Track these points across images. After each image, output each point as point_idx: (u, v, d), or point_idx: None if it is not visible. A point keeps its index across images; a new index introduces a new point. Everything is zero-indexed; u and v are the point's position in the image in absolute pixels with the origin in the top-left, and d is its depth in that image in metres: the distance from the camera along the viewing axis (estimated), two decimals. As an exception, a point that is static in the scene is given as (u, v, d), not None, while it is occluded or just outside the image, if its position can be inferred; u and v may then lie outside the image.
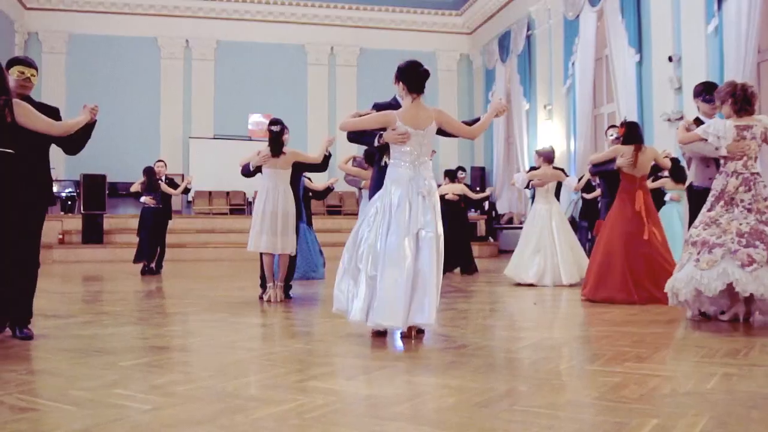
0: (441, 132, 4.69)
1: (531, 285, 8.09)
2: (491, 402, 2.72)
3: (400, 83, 4.52)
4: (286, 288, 6.92)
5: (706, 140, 5.04)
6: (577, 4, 14.37)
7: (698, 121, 5.56)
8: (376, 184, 4.70)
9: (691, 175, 5.71)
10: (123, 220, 16.38)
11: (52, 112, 4.62)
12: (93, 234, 15.26)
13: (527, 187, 8.78)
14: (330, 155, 6.97)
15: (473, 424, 2.44)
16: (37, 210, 4.53)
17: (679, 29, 11.38)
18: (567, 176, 9.07)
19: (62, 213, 16.60)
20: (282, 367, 3.46)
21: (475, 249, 16.43)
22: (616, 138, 7.26)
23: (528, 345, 4.20)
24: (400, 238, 4.24)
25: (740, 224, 4.78)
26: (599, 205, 10.32)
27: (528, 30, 16.97)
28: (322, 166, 6.99)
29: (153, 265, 10.73)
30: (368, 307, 4.24)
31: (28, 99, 4.52)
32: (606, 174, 7.28)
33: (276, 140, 6.58)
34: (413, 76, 4.46)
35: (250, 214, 18.50)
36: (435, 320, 4.26)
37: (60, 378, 3.28)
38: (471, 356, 3.72)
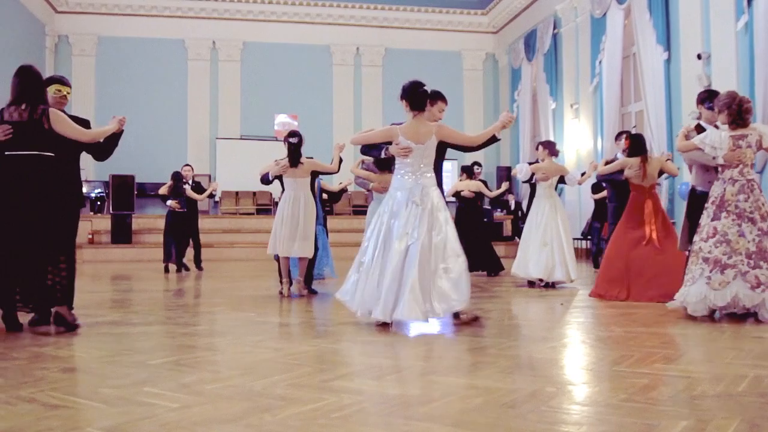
0: (448, 145, 5.13)
1: (540, 281, 8.01)
2: (518, 403, 2.71)
3: (404, 101, 5.01)
4: (308, 283, 7.27)
5: (703, 150, 5.30)
6: (604, 1, 14.24)
7: (699, 128, 5.73)
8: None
9: (692, 179, 5.90)
10: (151, 220, 16.56)
11: (83, 123, 5.06)
12: (122, 234, 15.46)
13: (529, 180, 8.55)
14: (342, 160, 7.45)
15: (500, 425, 2.43)
16: (72, 209, 5.00)
17: (708, 26, 11.23)
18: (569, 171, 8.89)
19: (92, 213, 16.82)
20: (308, 366, 3.47)
21: (501, 249, 16.41)
22: (624, 149, 7.41)
23: (554, 345, 4.18)
24: (394, 242, 4.73)
25: (748, 243, 5.04)
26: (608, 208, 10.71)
27: (554, 28, 16.86)
28: (336, 172, 7.57)
29: (188, 262, 11.37)
30: (359, 295, 4.76)
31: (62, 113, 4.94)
32: (613, 181, 7.50)
33: (294, 152, 6.98)
34: (414, 96, 4.97)
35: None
36: (419, 316, 4.59)
37: (90, 376, 3.32)
38: (497, 356, 3.71)
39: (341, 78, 20.01)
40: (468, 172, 10.80)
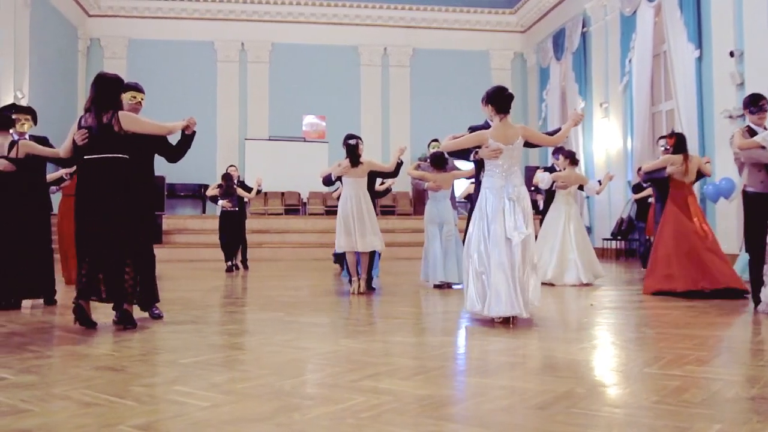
0: (527, 144, 5.43)
1: (551, 285, 8.17)
2: (548, 404, 2.69)
3: (489, 106, 5.24)
4: (368, 281, 7.56)
5: (764, 147, 5.42)
6: (634, -1, 14.11)
7: (750, 130, 5.84)
8: (476, 193, 5.49)
9: (744, 179, 5.98)
10: (181, 220, 16.72)
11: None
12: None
13: (550, 188, 8.83)
14: (401, 163, 7.77)
15: (529, 426, 2.42)
16: (145, 210, 5.37)
17: (740, 23, 11.06)
18: (588, 180, 9.26)
19: (123, 214, 17.00)
20: (337, 366, 3.48)
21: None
22: (666, 149, 7.67)
23: (585, 347, 4.14)
24: (499, 240, 4.98)
25: None
26: (652, 208, 10.85)
27: (583, 27, 16.73)
28: (394, 172, 7.88)
29: (238, 262, 11.64)
30: (483, 300, 4.98)
31: None
32: (657, 181, 7.80)
33: (353, 152, 7.35)
34: (500, 99, 5.18)
35: (305, 214, 18.74)
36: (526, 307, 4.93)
37: (123, 374, 3.37)
38: (527, 357, 3.69)
39: (369, 78, 20.04)
40: None
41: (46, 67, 15.63)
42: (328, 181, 7.72)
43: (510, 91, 5.25)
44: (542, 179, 8.83)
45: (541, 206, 13.03)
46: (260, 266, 12.61)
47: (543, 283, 8.08)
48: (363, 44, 19.96)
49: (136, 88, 5.43)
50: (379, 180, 8.71)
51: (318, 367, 3.49)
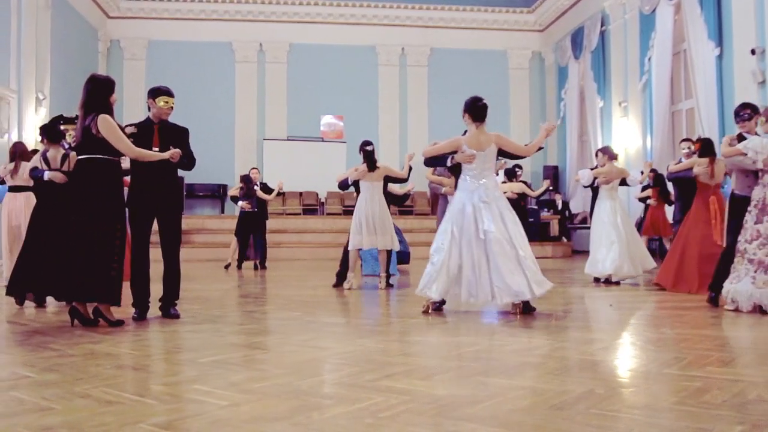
0: (501, 152, 5.77)
1: (609, 278, 8.36)
2: (567, 404, 2.68)
3: (466, 114, 5.68)
4: (387, 278, 7.98)
5: (746, 154, 5.70)
6: (654, -3, 14.00)
7: (741, 137, 6.16)
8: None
9: (733, 184, 6.31)
10: (200, 220, 16.83)
11: (182, 132, 5.60)
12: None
13: (591, 184, 8.97)
14: (411, 168, 8.21)
15: (549, 427, 2.41)
16: (179, 210, 5.67)
17: (762, 20, 10.94)
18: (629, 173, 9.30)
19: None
20: (355, 366, 3.49)
21: (548, 249, 16.25)
22: (690, 152, 8.01)
23: (604, 347, 4.12)
24: (472, 239, 5.41)
25: None
26: (651, 210, 11.76)
27: (602, 26, 16.63)
28: (406, 179, 8.30)
29: (257, 262, 11.97)
30: (444, 289, 5.45)
31: (164, 122, 5.52)
32: (680, 180, 8.09)
33: (370, 158, 7.78)
34: (475, 109, 5.64)
35: (323, 214, 18.81)
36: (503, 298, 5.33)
37: (143, 373, 3.39)
38: (545, 357, 3.67)
39: (387, 78, 20.03)
40: (510, 174, 11.20)
41: (67, 68, 15.77)
42: (344, 185, 8.07)
43: (485, 101, 5.65)
44: (583, 176, 9.07)
45: (572, 206, 13.15)
46: (278, 266, 12.65)
47: (597, 279, 8.54)
48: (381, 44, 19.96)
49: (168, 92, 5.52)
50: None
51: (336, 367, 3.50)
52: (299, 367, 3.46)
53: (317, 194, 18.94)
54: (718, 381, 3.06)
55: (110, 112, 5.04)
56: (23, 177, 7.38)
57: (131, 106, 17.63)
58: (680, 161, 8.66)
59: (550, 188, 14.20)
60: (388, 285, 7.98)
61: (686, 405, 2.66)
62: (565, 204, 17.98)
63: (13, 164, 7.43)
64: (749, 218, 5.66)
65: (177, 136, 5.53)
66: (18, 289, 6.02)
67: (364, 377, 3.20)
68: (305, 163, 18.78)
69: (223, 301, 7.06)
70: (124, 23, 19.17)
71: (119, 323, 4.91)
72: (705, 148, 7.57)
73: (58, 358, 3.69)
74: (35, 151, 7.61)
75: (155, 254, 5.48)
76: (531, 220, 16.18)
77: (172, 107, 5.53)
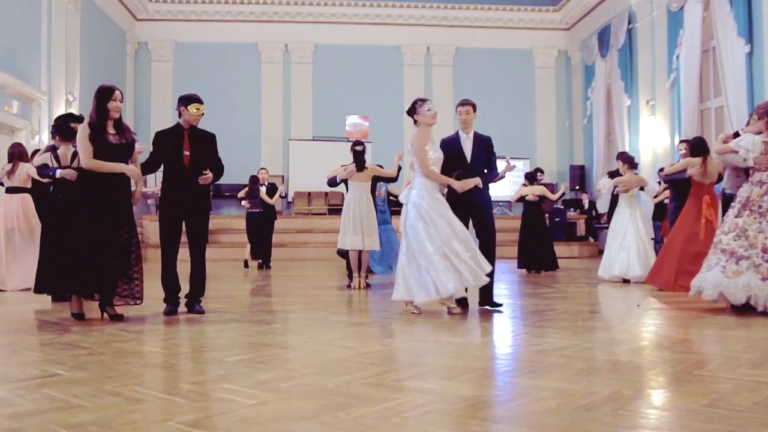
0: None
1: (623, 279, 8.64)
2: (594, 406, 2.66)
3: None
4: (366, 277, 8.15)
5: (738, 152, 5.78)
6: (682, -6, 13.83)
7: (737, 135, 6.25)
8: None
9: (725, 183, 6.48)
10: (226, 220, 16.94)
11: (210, 138, 5.77)
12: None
13: (612, 192, 9.30)
14: (400, 168, 8.30)
15: (575, 428, 2.39)
16: (207, 213, 5.95)
17: (794, 17, 10.78)
18: (648, 183, 9.56)
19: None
20: (381, 365, 3.49)
21: (575, 249, 16.15)
22: (686, 153, 8.19)
23: (631, 348, 4.08)
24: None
25: (766, 239, 5.43)
26: (668, 207, 11.39)
27: (629, 23, 16.47)
28: (395, 177, 8.42)
29: (260, 262, 12.13)
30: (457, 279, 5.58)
31: (194, 128, 5.68)
32: (676, 182, 8.23)
33: (359, 158, 7.95)
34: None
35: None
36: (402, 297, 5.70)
37: (171, 371, 3.43)
38: (572, 358, 3.65)
39: (412, 78, 20.01)
40: (530, 178, 11.28)
41: (95, 70, 15.98)
42: (332, 182, 8.23)
43: (424, 102, 5.84)
44: (603, 185, 9.37)
45: (599, 207, 13.22)
46: (304, 265, 12.71)
47: (616, 280, 8.70)
48: (406, 44, 19.95)
49: (199, 100, 5.69)
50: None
51: (362, 366, 3.50)
52: (325, 367, 3.47)
53: (343, 195, 18.89)
54: (749, 383, 3.02)
55: (103, 119, 5.24)
56: (20, 178, 7.48)
57: (158, 107, 17.86)
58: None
59: (568, 190, 14.31)
60: (367, 285, 8.09)
61: (716, 407, 2.62)
62: (592, 204, 17.84)
63: (10, 165, 7.50)
64: (731, 212, 5.76)
65: (206, 141, 5.73)
66: (51, 287, 6.12)
67: (390, 377, 3.21)
68: (331, 163, 18.75)
69: (248, 301, 7.10)
70: (152, 25, 19.37)
71: (119, 317, 5.27)
72: (695, 147, 7.65)
73: (88, 356, 3.74)
74: (36, 152, 7.69)
75: (183, 254, 5.58)
76: (557, 219, 16.11)
77: (202, 114, 5.68)
